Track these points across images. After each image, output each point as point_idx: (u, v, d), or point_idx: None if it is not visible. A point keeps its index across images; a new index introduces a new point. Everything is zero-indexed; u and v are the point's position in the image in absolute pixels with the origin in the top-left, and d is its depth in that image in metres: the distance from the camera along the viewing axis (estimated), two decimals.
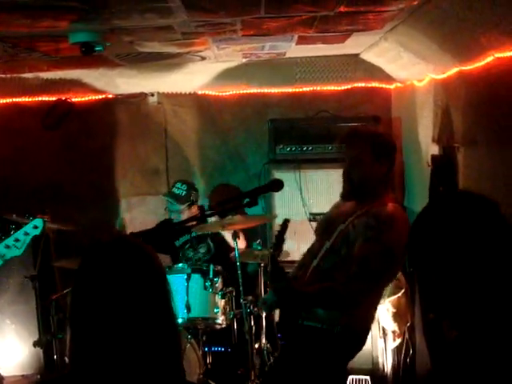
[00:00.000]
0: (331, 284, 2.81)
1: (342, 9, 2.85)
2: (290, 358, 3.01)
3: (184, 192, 4.55)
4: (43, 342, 4.02)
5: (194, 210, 4.62)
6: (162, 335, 1.48)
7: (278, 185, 2.88)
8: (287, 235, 2.96)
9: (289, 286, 2.85)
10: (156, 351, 1.45)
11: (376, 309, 3.07)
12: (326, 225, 3.08)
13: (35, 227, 3.34)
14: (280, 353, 3.27)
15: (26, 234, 3.32)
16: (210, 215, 3.94)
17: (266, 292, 3.91)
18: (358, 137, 2.92)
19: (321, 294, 2.83)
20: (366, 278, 2.74)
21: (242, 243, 4.49)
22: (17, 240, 3.29)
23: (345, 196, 2.96)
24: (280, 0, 2.67)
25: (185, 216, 4.50)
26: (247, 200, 2.85)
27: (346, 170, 2.92)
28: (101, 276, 1.46)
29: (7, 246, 3.27)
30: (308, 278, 2.94)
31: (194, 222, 4.21)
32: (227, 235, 4.42)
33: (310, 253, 3.08)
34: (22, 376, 4.58)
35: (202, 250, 4.62)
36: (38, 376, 4.48)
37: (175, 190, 4.58)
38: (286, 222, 2.97)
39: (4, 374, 4.43)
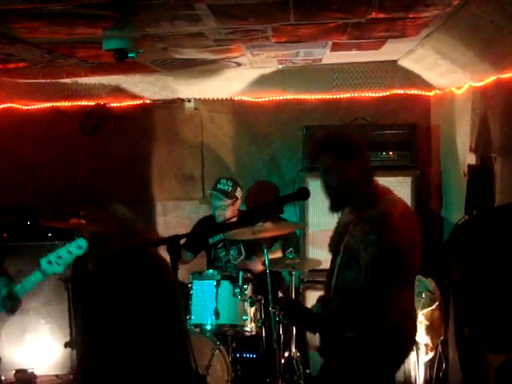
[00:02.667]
0: (344, 300, 2.75)
1: (373, 15, 2.81)
2: (333, 372, 2.91)
3: (230, 188, 4.57)
4: (74, 343, 4.07)
5: (237, 206, 4.64)
6: (170, 343, 1.48)
7: (305, 194, 2.83)
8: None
9: (303, 316, 2.84)
10: (164, 356, 1.46)
11: (409, 309, 2.90)
12: (334, 240, 2.99)
13: (79, 247, 3.38)
14: (321, 372, 3.16)
15: (69, 252, 3.35)
16: (244, 222, 3.97)
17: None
18: (317, 151, 2.85)
19: (338, 313, 2.76)
20: (377, 283, 2.64)
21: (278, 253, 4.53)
22: (59, 257, 3.33)
23: (331, 208, 2.87)
24: (309, 7, 2.64)
25: (229, 211, 4.54)
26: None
27: (323, 184, 2.86)
28: (109, 286, 1.46)
29: (49, 262, 3.31)
30: (333, 297, 2.86)
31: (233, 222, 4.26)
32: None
33: (329, 270, 2.99)
34: (56, 376, 4.65)
35: (233, 253, 4.63)
36: (71, 376, 4.53)
37: (221, 186, 4.59)
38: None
39: (38, 373, 4.53)
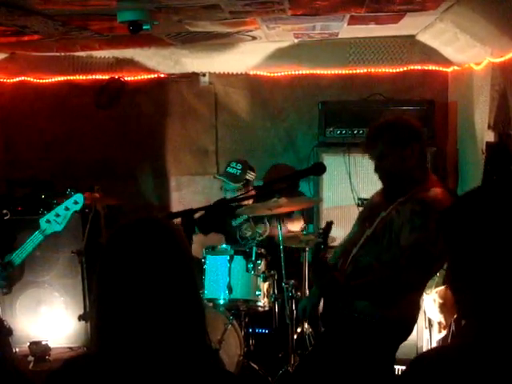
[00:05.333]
0: (379, 276, 2.72)
1: None
2: (330, 345, 2.94)
3: (239, 171, 4.51)
4: (88, 316, 4.09)
5: (249, 189, 4.54)
6: (186, 312, 1.47)
7: (320, 169, 2.80)
8: (331, 235, 2.89)
9: (333, 280, 2.76)
10: (179, 328, 1.45)
11: (421, 297, 2.97)
12: (368, 212, 3.00)
13: (76, 202, 3.35)
14: (318, 340, 3.20)
15: (67, 209, 3.32)
16: (259, 196, 3.95)
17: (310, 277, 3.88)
18: (371, 137, 2.86)
19: (369, 287, 2.73)
20: (416, 268, 2.63)
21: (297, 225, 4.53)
22: (57, 215, 3.31)
23: (388, 196, 2.87)
24: None
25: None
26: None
27: (378, 171, 2.87)
28: (124, 255, 1.45)
29: (48, 221, 3.30)
30: (348, 267, 2.86)
31: (249, 201, 4.27)
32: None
33: (351, 240, 2.99)
34: (70, 348, 4.70)
35: (260, 230, 4.59)
36: (85, 349, 4.57)
37: (230, 170, 4.55)
38: (329, 225, 2.90)
39: (52, 345, 4.57)
